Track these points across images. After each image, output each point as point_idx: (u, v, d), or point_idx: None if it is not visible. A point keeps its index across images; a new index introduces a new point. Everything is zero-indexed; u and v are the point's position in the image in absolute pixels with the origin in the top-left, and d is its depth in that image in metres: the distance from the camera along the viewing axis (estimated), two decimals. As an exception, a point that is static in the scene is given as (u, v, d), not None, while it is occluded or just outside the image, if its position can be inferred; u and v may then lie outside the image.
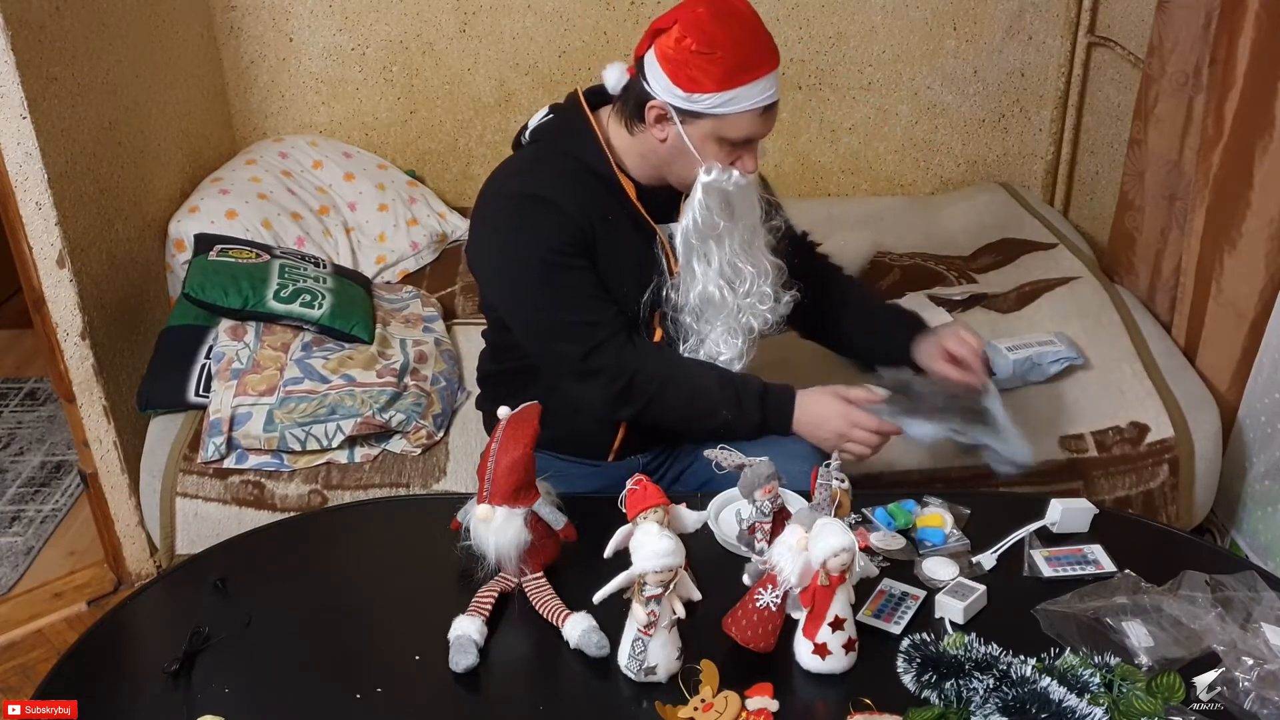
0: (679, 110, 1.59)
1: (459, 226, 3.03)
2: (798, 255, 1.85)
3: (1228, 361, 2.29)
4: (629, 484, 1.29)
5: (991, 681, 1.22)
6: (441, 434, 2.20)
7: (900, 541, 1.49)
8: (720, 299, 1.71)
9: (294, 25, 3.06)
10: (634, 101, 1.63)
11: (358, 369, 2.22)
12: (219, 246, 2.41)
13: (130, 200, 2.45)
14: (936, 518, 1.52)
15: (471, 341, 2.51)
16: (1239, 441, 2.27)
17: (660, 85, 1.58)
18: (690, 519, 1.32)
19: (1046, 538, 1.50)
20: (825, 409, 1.69)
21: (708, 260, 1.70)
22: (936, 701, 1.22)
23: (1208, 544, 2.00)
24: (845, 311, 1.91)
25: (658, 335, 1.74)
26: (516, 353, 1.79)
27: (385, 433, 2.14)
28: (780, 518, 1.40)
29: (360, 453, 2.13)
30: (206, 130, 2.95)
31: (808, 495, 1.41)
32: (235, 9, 3.02)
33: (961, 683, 1.22)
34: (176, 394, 2.22)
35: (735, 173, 1.64)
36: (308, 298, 2.29)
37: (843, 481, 1.35)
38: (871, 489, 1.88)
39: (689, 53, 1.55)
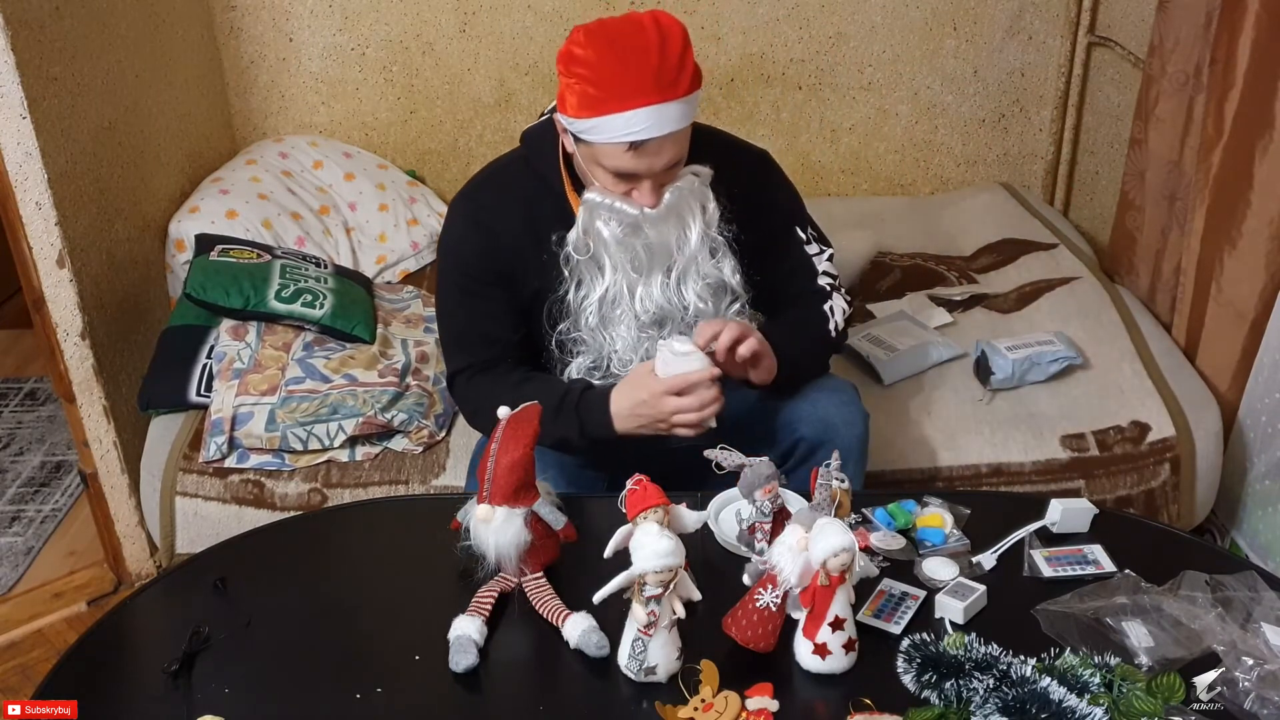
0: (568, 129, 1.51)
1: (459, 226, 3.03)
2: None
3: (1228, 362, 2.29)
4: (629, 484, 1.29)
5: (991, 681, 1.22)
6: (443, 433, 2.20)
7: (900, 541, 1.49)
8: (622, 294, 1.61)
9: (294, 25, 3.06)
10: None
11: (359, 369, 2.22)
12: (220, 246, 2.41)
13: (130, 200, 2.45)
14: (936, 518, 1.52)
15: (472, 341, 2.51)
16: (1239, 442, 2.27)
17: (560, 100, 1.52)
18: (690, 519, 1.32)
19: (1046, 538, 1.50)
20: (635, 403, 1.57)
21: (599, 272, 1.60)
22: (936, 701, 1.22)
23: (1208, 544, 2.00)
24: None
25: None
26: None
27: (387, 432, 2.14)
28: (780, 518, 1.40)
29: (361, 452, 2.13)
30: (206, 130, 2.95)
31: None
32: (235, 9, 3.02)
33: (961, 683, 1.22)
34: (178, 394, 2.22)
35: (618, 201, 1.54)
36: (309, 298, 2.29)
37: (843, 481, 1.35)
38: (872, 489, 1.88)
39: (560, 74, 1.48)
